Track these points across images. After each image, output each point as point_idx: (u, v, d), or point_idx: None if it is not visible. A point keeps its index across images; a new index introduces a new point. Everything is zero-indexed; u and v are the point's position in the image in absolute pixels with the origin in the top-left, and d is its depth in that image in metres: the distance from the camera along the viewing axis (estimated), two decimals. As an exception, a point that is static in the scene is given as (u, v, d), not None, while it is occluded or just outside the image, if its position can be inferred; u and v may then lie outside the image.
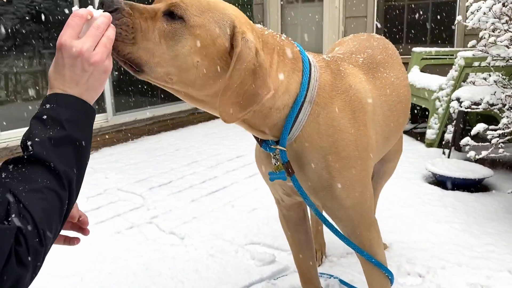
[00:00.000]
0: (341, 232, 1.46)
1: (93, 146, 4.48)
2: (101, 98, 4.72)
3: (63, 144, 0.83)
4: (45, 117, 0.84)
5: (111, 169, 3.80)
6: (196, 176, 3.59)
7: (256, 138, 1.36)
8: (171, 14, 1.06)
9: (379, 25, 5.76)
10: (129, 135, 4.92)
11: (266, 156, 1.41)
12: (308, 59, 1.30)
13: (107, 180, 3.49)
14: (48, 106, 0.86)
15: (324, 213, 1.46)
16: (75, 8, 0.92)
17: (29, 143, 0.81)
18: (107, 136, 4.69)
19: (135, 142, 4.83)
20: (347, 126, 1.31)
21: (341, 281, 2.06)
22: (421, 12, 5.63)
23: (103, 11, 0.96)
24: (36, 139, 0.81)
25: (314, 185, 1.34)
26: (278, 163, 1.31)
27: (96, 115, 0.92)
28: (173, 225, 2.70)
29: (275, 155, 1.32)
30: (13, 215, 0.73)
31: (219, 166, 3.84)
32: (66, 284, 2.10)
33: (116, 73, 4.91)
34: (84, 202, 3.05)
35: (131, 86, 5.05)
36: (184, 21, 1.05)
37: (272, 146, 1.30)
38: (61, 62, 0.87)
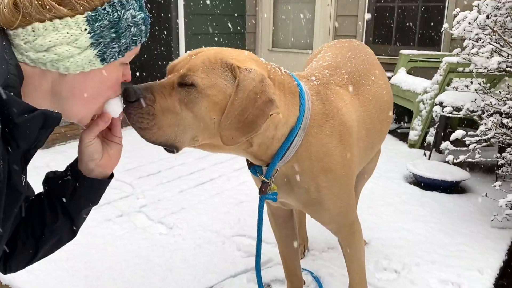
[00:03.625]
0: None
1: (82, 132, 4.52)
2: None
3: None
4: None
5: (100, 156, 3.84)
6: (184, 167, 3.67)
7: (247, 161, 1.46)
8: (184, 84, 1.18)
9: (369, 16, 5.84)
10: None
11: None
12: (304, 92, 1.39)
13: (97, 168, 3.54)
14: None
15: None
16: (112, 105, 1.09)
17: None
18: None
19: (125, 130, 4.77)
20: (335, 149, 1.42)
21: (317, 280, 2.17)
22: (410, 15, 5.75)
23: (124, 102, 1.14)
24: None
25: (304, 202, 1.48)
26: (272, 185, 1.41)
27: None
28: (161, 215, 2.79)
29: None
30: None
31: (207, 158, 3.92)
32: (56, 268, 2.18)
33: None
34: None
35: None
36: (195, 86, 1.17)
37: (258, 173, 1.41)
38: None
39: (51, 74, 0.95)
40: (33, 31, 0.89)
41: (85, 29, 0.92)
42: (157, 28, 5.78)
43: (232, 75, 1.20)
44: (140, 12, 1.02)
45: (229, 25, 6.56)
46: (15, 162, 0.93)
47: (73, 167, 1.14)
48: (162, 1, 5.82)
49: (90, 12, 0.92)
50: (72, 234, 1.19)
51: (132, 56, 1.07)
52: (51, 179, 1.15)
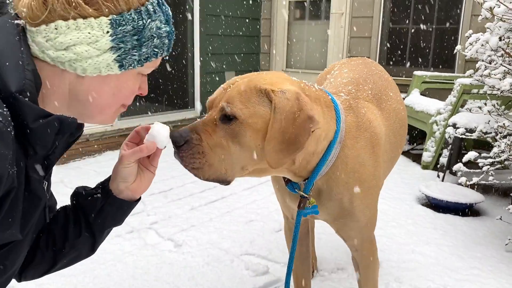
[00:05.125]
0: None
1: (97, 149, 4.59)
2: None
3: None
4: None
5: (113, 173, 3.89)
6: (196, 185, 3.69)
7: (283, 179, 1.47)
8: (226, 117, 1.22)
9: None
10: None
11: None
12: (338, 105, 1.42)
13: (110, 184, 3.58)
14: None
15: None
16: (155, 128, 1.14)
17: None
18: (111, 140, 4.80)
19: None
20: (369, 160, 1.45)
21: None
22: (424, 36, 5.75)
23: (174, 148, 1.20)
24: None
25: (335, 214, 1.48)
26: (311, 198, 1.42)
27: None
28: (171, 232, 2.80)
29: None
30: None
31: (219, 176, 3.93)
32: (65, 283, 2.19)
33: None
34: (86, 204, 3.14)
35: (138, 92, 5.16)
36: (236, 118, 1.20)
37: (296, 190, 1.42)
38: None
39: (69, 75, 0.96)
40: (55, 28, 0.90)
41: (107, 32, 0.92)
42: (173, 47, 5.88)
43: (268, 100, 1.22)
44: (166, 26, 1.02)
45: (244, 45, 6.64)
46: (34, 168, 0.93)
47: (104, 185, 1.14)
48: (178, 21, 5.93)
49: (115, 16, 0.93)
50: (91, 251, 1.19)
51: (151, 68, 1.07)
52: (80, 194, 1.16)
